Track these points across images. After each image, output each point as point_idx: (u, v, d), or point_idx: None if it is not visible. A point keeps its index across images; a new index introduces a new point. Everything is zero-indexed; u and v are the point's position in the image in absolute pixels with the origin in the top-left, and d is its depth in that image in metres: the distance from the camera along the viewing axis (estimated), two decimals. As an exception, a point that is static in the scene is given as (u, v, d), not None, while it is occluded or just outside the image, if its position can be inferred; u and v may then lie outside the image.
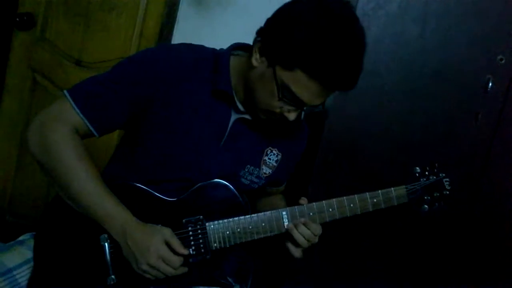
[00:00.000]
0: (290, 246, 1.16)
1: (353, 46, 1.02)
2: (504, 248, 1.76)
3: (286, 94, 1.05)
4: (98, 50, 1.97)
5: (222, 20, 1.94)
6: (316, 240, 1.15)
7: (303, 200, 1.17)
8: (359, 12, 1.58)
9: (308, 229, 1.13)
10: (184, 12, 1.97)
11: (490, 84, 1.64)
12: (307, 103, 1.07)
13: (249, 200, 1.26)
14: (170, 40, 1.98)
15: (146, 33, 1.94)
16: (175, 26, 1.97)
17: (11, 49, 2.04)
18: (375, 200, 1.16)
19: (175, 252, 1.08)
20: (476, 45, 1.64)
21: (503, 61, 1.64)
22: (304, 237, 1.13)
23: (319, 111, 1.76)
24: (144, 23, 1.94)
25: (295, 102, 1.07)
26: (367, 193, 1.16)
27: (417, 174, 1.20)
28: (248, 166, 1.21)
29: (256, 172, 1.22)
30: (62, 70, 2.00)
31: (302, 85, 1.03)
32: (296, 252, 1.16)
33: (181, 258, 1.08)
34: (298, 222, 1.13)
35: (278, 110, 1.10)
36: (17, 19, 1.97)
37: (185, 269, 1.10)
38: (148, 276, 1.07)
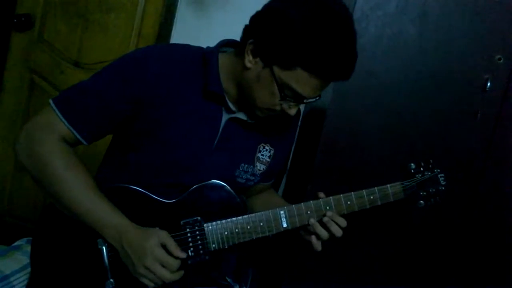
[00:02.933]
0: (313, 239, 1.14)
1: (348, 36, 1.03)
2: (503, 247, 1.75)
3: (288, 92, 1.06)
4: (96, 51, 1.96)
5: (220, 20, 1.94)
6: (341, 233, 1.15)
7: (321, 194, 1.16)
8: (357, 12, 1.59)
9: (336, 223, 1.13)
10: (182, 12, 1.97)
11: (489, 83, 1.64)
12: (308, 98, 1.07)
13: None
14: (168, 40, 1.97)
15: (144, 34, 1.94)
16: (173, 27, 1.97)
17: (9, 50, 2.03)
18: (371, 197, 1.17)
19: (172, 255, 1.07)
20: (474, 45, 1.64)
21: (501, 61, 1.64)
22: (330, 231, 1.13)
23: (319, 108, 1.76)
24: (142, 24, 1.94)
25: (297, 98, 1.07)
26: (363, 190, 1.17)
27: (412, 170, 1.21)
28: (242, 164, 1.20)
29: (250, 170, 1.21)
30: (60, 71, 2.00)
31: (303, 82, 1.03)
32: (318, 246, 1.15)
33: (178, 261, 1.07)
34: (327, 217, 1.13)
35: (278, 108, 1.10)
36: (15, 20, 1.96)
37: (182, 273, 1.09)
38: (145, 280, 1.06)
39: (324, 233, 1.13)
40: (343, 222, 1.14)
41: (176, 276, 1.08)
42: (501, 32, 1.63)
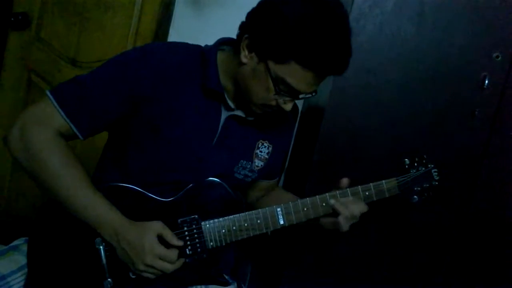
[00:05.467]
0: (340, 219, 1.14)
1: (342, 31, 1.03)
2: (501, 246, 1.76)
3: (282, 87, 1.06)
4: (94, 49, 1.96)
5: (218, 19, 1.93)
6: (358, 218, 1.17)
7: (344, 182, 1.19)
8: (355, 10, 1.58)
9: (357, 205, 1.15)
10: (180, 11, 1.96)
11: (487, 81, 1.64)
12: (303, 93, 1.08)
13: (246, 199, 1.25)
14: (166, 39, 1.97)
15: (142, 32, 1.94)
16: (171, 25, 1.96)
17: (6, 49, 2.03)
18: (367, 193, 1.18)
19: (169, 245, 1.07)
20: (472, 42, 1.64)
21: (499, 59, 1.64)
22: (353, 212, 1.14)
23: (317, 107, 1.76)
24: (140, 22, 1.93)
25: (292, 93, 1.08)
26: (359, 186, 1.19)
27: (406, 166, 1.23)
28: (241, 161, 1.21)
29: (249, 166, 1.22)
30: (58, 70, 1.99)
31: (297, 76, 1.04)
32: (346, 225, 1.16)
33: (177, 251, 1.08)
34: (345, 201, 1.15)
35: (274, 103, 1.10)
36: (12, 19, 1.96)
37: (182, 261, 1.09)
38: (146, 275, 1.06)
39: (345, 211, 1.14)
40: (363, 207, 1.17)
41: (177, 265, 1.08)
42: (499, 30, 1.63)
